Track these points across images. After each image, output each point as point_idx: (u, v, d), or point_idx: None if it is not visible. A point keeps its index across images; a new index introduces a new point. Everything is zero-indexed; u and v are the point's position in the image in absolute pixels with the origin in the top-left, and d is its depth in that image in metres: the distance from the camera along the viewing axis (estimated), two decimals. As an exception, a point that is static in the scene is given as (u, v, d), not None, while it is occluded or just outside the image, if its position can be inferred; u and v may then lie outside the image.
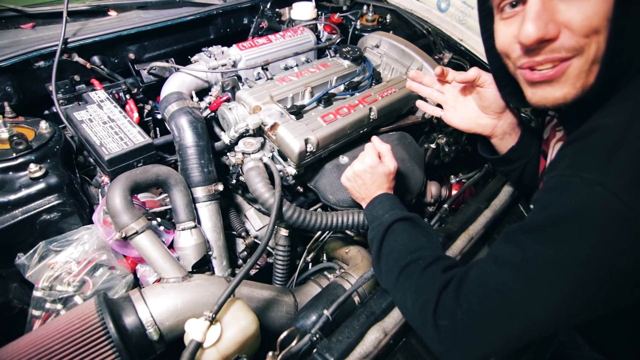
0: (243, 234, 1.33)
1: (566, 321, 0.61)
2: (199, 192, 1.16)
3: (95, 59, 1.39)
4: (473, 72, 0.96)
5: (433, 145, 1.56)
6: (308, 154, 1.14)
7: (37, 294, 0.92)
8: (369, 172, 1.04)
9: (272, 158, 1.20)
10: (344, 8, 1.97)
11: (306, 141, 1.12)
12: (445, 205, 1.38)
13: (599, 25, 0.60)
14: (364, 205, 1.06)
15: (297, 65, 1.47)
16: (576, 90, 0.66)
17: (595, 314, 0.61)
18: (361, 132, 1.32)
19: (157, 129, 1.45)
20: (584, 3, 0.60)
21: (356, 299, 1.04)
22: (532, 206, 0.70)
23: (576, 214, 0.56)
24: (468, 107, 1.04)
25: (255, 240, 1.35)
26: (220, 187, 1.19)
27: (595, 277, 0.55)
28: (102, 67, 1.38)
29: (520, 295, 0.60)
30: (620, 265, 0.54)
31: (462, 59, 1.73)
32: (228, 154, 1.27)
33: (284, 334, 0.82)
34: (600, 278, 0.55)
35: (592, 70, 0.64)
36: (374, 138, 1.11)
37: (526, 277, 0.59)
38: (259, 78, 1.41)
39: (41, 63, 1.26)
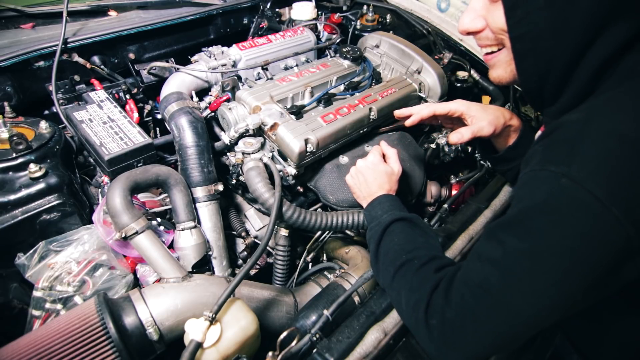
0: (243, 234, 1.33)
1: (549, 314, 0.62)
2: (199, 192, 1.16)
3: (95, 59, 1.39)
4: (453, 107, 1.01)
5: (433, 145, 1.56)
6: (308, 154, 1.14)
7: (37, 294, 0.92)
8: (370, 168, 1.06)
9: (272, 158, 1.20)
10: (344, 8, 1.97)
11: (306, 141, 1.12)
12: (445, 205, 1.38)
13: (503, 27, 0.71)
14: (364, 205, 1.06)
15: (297, 65, 1.47)
16: (507, 75, 0.78)
17: (578, 305, 0.63)
18: (361, 132, 1.32)
19: (157, 129, 1.45)
20: (494, 8, 0.73)
21: (356, 299, 1.04)
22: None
23: (546, 206, 0.59)
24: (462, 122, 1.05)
25: (255, 240, 1.35)
26: (220, 187, 1.19)
27: (570, 266, 0.57)
28: (102, 67, 1.38)
29: (502, 289, 0.62)
30: (592, 251, 0.56)
31: (462, 59, 1.73)
32: (228, 154, 1.27)
33: (284, 334, 0.82)
34: (575, 266, 0.57)
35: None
36: (382, 142, 1.17)
37: (506, 271, 0.61)
38: (259, 78, 1.41)
39: (41, 63, 1.26)
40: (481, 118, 0.98)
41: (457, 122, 1.05)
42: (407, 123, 1.06)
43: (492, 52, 0.80)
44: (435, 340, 0.69)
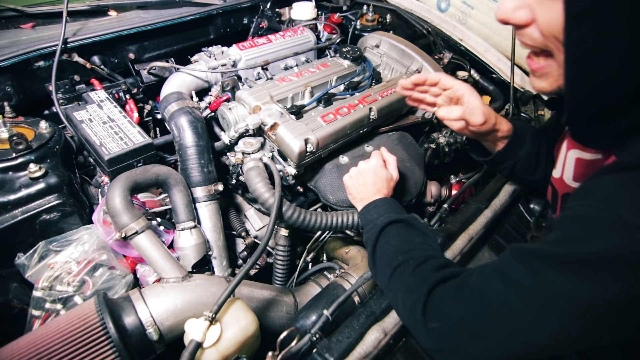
0: (243, 234, 1.33)
1: (566, 349, 0.60)
2: (199, 192, 1.16)
3: (95, 59, 1.39)
4: (458, 85, 0.98)
5: (433, 145, 1.56)
6: (308, 153, 1.14)
7: (37, 294, 0.92)
8: (373, 171, 1.06)
9: (272, 158, 1.20)
10: (344, 8, 1.97)
11: (306, 141, 1.12)
12: (445, 205, 1.38)
13: (556, 34, 0.57)
14: (359, 207, 1.06)
15: (297, 65, 1.47)
16: (553, 88, 0.66)
17: (598, 344, 0.58)
18: (361, 132, 1.32)
19: (157, 129, 1.45)
20: (550, 5, 0.57)
21: (356, 299, 1.04)
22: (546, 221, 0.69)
23: (607, 259, 0.51)
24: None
25: (255, 240, 1.35)
26: (220, 187, 1.19)
27: (611, 320, 0.53)
28: (102, 67, 1.38)
29: (523, 319, 0.58)
30: None
31: (462, 59, 1.73)
32: (228, 154, 1.27)
33: (284, 334, 0.82)
34: (617, 321, 0.53)
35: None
36: (382, 149, 1.18)
37: (533, 304, 0.57)
38: (259, 78, 1.41)
39: (41, 63, 1.26)
40: (476, 106, 0.95)
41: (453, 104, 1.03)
42: (413, 79, 1.03)
43: (536, 54, 0.66)
44: (436, 342, 0.69)
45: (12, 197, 0.98)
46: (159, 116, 1.40)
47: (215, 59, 1.37)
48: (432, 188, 1.51)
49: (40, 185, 1.00)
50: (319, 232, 1.28)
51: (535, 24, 0.61)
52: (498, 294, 0.61)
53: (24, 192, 0.99)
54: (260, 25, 1.79)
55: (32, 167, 0.99)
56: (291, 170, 1.16)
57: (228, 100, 1.29)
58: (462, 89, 0.97)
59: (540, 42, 0.62)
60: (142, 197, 1.14)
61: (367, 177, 1.06)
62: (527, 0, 0.61)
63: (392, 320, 0.88)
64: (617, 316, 0.52)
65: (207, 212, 1.17)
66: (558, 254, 0.55)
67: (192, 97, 1.30)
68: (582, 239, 0.54)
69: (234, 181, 1.30)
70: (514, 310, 0.59)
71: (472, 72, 1.72)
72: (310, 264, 1.33)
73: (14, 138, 0.98)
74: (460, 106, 0.98)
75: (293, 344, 0.81)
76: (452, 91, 0.99)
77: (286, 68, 1.48)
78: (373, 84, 1.44)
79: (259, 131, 1.19)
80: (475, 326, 0.63)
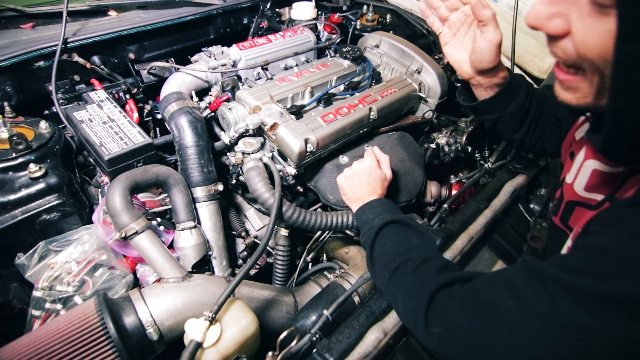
0: (243, 234, 1.33)
1: None
2: (199, 192, 1.16)
3: (95, 59, 1.38)
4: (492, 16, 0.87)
5: (433, 145, 1.56)
6: (308, 153, 1.14)
7: (37, 294, 0.92)
8: (367, 172, 1.06)
9: (272, 158, 1.20)
10: (344, 8, 1.97)
11: (306, 141, 1.12)
12: (445, 205, 1.38)
13: (593, 59, 0.50)
14: (354, 208, 1.06)
15: (297, 65, 1.47)
16: (580, 103, 0.59)
17: None
18: (361, 132, 1.32)
19: (157, 129, 1.45)
20: (593, 23, 0.48)
21: (356, 299, 1.04)
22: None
23: (633, 304, 0.48)
24: (462, 45, 0.98)
25: (255, 240, 1.35)
26: (220, 187, 1.19)
27: (626, 358, 0.51)
28: (102, 67, 1.38)
29: (533, 342, 0.57)
30: None
31: (462, 58, 1.73)
32: (228, 154, 1.27)
33: (284, 334, 0.82)
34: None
35: (602, 96, 0.55)
36: (375, 147, 1.17)
37: (545, 329, 0.55)
38: (259, 78, 1.41)
39: (41, 63, 1.26)
40: (491, 44, 0.88)
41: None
42: None
43: (566, 64, 0.58)
44: (439, 347, 0.69)
45: (12, 197, 0.98)
46: (159, 116, 1.40)
47: (215, 59, 1.37)
48: (432, 188, 1.52)
49: (40, 185, 1.00)
50: (319, 232, 1.28)
51: (570, 36, 0.53)
52: (508, 312, 0.59)
53: (24, 192, 0.99)
54: (260, 25, 1.79)
55: (32, 167, 0.99)
56: (291, 170, 1.16)
57: (228, 100, 1.29)
58: (487, 14, 0.86)
59: (573, 57, 0.54)
60: (142, 197, 1.14)
61: (362, 178, 1.05)
62: (565, 9, 0.52)
63: (392, 320, 0.88)
64: (635, 357, 0.50)
65: (207, 212, 1.17)
66: (579, 286, 0.52)
67: (192, 97, 1.30)
68: (609, 276, 0.51)
69: (234, 181, 1.30)
70: (524, 331, 0.57)
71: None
72: (310, 264, 1.33)
73: (14, 138, 0.98)
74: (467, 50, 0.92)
75: (293, 344, 0.82)
76: (476, 10, 0.88)
77: (286, 68, 1.48)
78: (373, 84, 1.44)
79: (259, 131, 1.19)
80: (483, 339, 0.62)
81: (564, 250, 0.77)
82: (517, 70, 1.62)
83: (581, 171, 0.78)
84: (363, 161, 1.09)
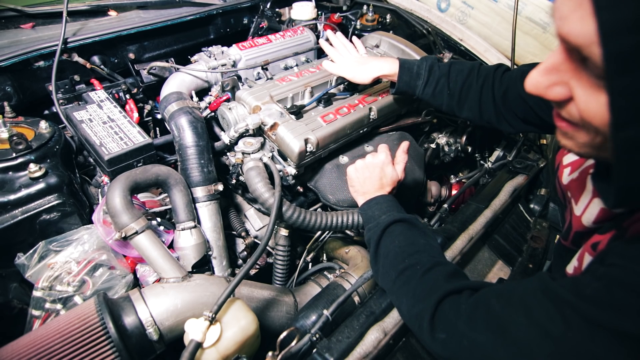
0: (243, 234, 1.33)
1: None
2: (199, 192, 1.16)
3: (95, 59, 1.38)
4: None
5: (433, 145, 1.56)
6: (308, 153, 1.14)
7: (36, 294, 0.92)
8: (380, 166, 1.03)
9: (272, 158, 1.20)
10: (344, 8, 1.97)
11: (306, 141, 1.12)
12: (445, 205, 1.38)
13: (599, 126, 0.48)
14: (360, 202, 1.04)
15: (297, 65, 1.47)
16: (578, 150, 0.57)
17: None
18: (361, 132, 1.32)
19: (157, 129, 1.45)
20: (595, 93, 0.46)
21: (356, 299, 1.04)
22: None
23: None
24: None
25: (255, 240, 1.35)
26: (220, 187, 1.19)
27: None
28: (102, 67, 1.38)
29: None
30: None
31: (462, 58, 1.73)
32: (228, 154, 1.27)
33: (284, 334, 0.82)
34: None
35: (604, 150, 0.52)
36: (404, 145, 1.12)
37: (557, 353, 0.55)
38: (259, 78, 1.41)
39: (41, 63, 1.26)
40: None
41: None
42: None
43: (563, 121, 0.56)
44: (443, 353, 0.69)
45: (12, 197, 0.98)
46: (159, 116, 1.40)
47: (215, 59, 1.37)
48: (432, 188, 1.52)
49: (40, 185, 1.00)
50: (319, 232, 1.28)
51: (574, 102, 0.50)
52: (520, 330, 0.58)
53: (24, 192, 0.99)
54: (260, 25, 1.79)
55: (32, 167, 0.99)
56: (291, 170, 1.16)
57: (228, 100, 1.29)
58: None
59: (577, 120, 0.51)
60: (142, 197, 1.14)
61: (373, 172, 1.03)
62: (564, 77, 0.50)
63: (392, 320, 0.88)
64: None
65: (207, 212, 1.17)
66: (598, 317, 0.51)
67: (192, 97, 1.30)
68: (631, 312, 0.49)
69: (234, 181, 1.30)
70: (534, 351, 0.57)
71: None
72: (310, 264, 1.33)
73: (14, 138, 0.98)
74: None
75: (293, 344, 0.82)
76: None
77: (286, 68, 1.48)
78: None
79: (259, 131, 1.19)
80: (491, 352, 0.62)
81: (571, 267, 0.76)
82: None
83: (589, 208, 0.77)
84: (377, 155, 1.05)
